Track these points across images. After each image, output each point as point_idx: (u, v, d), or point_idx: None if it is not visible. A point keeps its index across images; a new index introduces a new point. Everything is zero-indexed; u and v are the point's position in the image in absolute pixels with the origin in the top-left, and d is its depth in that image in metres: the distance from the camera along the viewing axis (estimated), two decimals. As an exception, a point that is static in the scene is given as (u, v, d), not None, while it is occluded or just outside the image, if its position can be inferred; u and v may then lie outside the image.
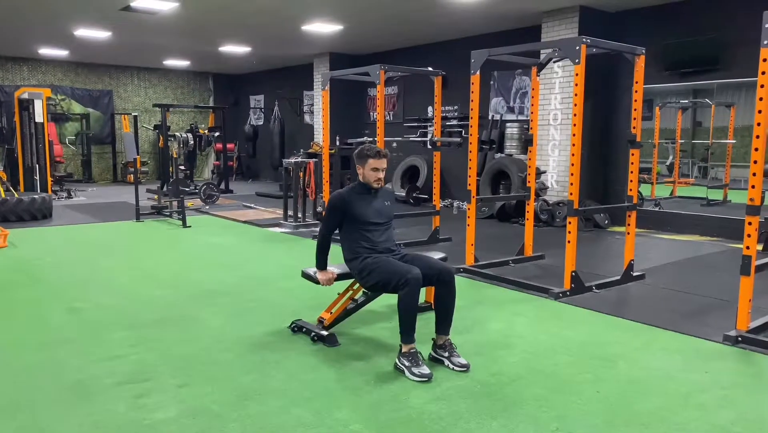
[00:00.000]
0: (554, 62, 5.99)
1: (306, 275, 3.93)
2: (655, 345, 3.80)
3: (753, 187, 3.83)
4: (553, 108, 9.04)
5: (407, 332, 3.35)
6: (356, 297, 3.98)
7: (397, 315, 3.37)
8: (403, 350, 3.33)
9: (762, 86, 3.70)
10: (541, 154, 9.37)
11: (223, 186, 13.01)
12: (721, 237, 7.96)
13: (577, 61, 4.73)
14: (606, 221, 8.92)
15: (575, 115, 4.81)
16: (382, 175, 3.67)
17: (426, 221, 7.88)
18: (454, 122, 11.40)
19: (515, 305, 4.71)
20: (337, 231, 3.76)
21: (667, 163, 10.26)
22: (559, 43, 4.97)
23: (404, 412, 2.84)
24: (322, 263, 3.79)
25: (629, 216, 5.42)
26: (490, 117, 10.63)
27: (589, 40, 4.74)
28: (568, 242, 4.96)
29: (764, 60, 3.69)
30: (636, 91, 5.26)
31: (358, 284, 3.98)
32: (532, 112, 6.21)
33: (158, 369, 3.32)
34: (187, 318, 4.30)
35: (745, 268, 3.88)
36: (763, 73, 3.70)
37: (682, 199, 9.78)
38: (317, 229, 8.26)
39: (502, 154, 10.23)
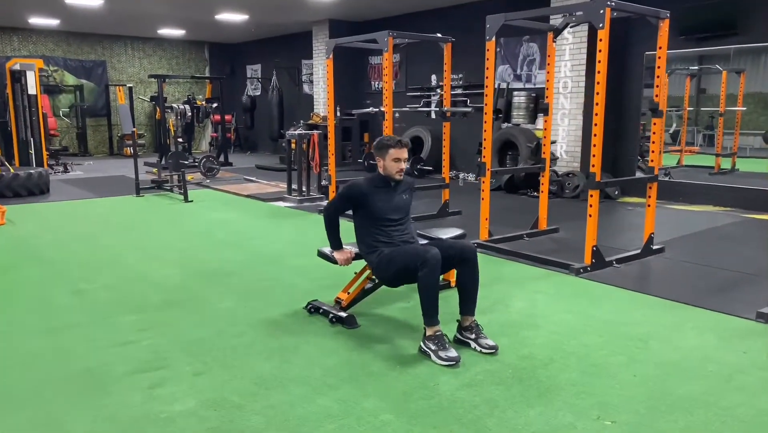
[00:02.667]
0: (571, 27, 5.73)
1: (322, 255, 3.76)
2: (686, 324, 3.66)
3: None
4: (563, 76, 8.78)
5: (430, 314, 3.19)
6: (374, 276, 3.82)
7: (416, 295, 3.21)
8: (428, 333, 3.18)
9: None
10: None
11: (222, 159, 12.75)
12: (735, 207, 7.81)
13: (601, 25, 4.49)
14: (616, 192, 8.74)
15: (598, 83, 4.60)
16: (404, 165, 3.48)
17: (433, 194, 7.70)
18: (459, 91, 11.12)
19: (535, 281, 4.55)
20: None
21: (671, 132, 10.04)
22: (582, 7, 4.71)
23: (435, 400, 2.69)
24: (336, 243, 3.62)
25: (650, 188, 5.24)
26: (496, 85, 10.34)
27: (613, 3, 4.49)
28: (589, 215, 4.78)
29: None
30: (659, 57, 5.03)
31: (375, 263, 3.82)
32: (547, 80, 5.97)
33: (172, 356, 3.17)
34: (196, 299, 4.14)
35: (780, 242, 3.72)
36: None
37: (690, 168, 9.58)
38: (323, 203, 8.13)
39: (509, 124, 9.98)
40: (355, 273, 3.87)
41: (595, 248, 4.80)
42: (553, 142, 8.84)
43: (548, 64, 5.90)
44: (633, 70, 8.52)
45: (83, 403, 2.69)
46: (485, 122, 5.55)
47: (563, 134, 8.89)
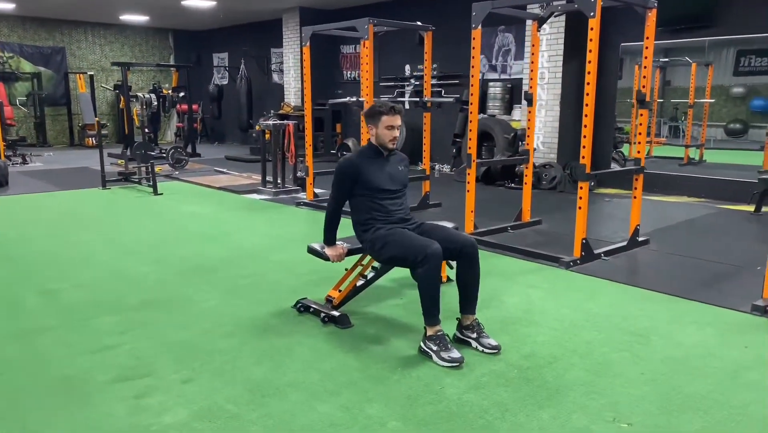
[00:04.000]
0: (556, 16, 5.65)
1: (313, 251, 3.59)
2: (683, 318, 3.61)
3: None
4: (539, 67, 8.72)
5: (431, 313, 3.06)
6: (365, 273, 3.67)
7: (409, 291, 3.08)
8: (429, 333, 3.05)
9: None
10: (526, 115, 9.09)
11: (189, 149, 12.37)
12: (709, 198, 7.90)
13: (592, 14, 4.40)
14: (592, 183, 8.75)
15: (589, 72, 4.52)
16: (397, 133, 3.32)
17: (412, 186, 7.53)
18: (433, 81, 10.98)
19: (527, 275, 4.47)
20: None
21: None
22: (573, -5, 4.62)
23: (442, 404, 2.57)
24: (331, 238, 3.45)
25: (636, 180, 5.21)
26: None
27: (604, -9, 4.41)
28: (579, 208, 4.72)
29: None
30: (647, 48, 4.98)
31: (367, 260, 3.67)
32: (531, 70, 5.88)
33: (156, 361, 2.96)
34: (177, 298, 3.92)
35: (774, 235, 3.70)
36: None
37: (660, 160, 9.67)
38: (298, 196, 7.92)
39: (485, 115, 9.92)
40: (346, 270, 3.72)
41: (584, 241, 4.75)
42: (531, 133, 8.79)
43: (532, 54, 5.81)
44: (608, 61, 8.52)
45: (63, 415, 2.48)
46: (471, 113, 5.43)
47: (540, 126, 8.85)
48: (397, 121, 3.29)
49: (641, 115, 5.10)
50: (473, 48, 5.29)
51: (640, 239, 5.31)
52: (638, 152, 5.21)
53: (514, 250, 5.04)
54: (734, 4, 7.36)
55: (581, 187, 4.70)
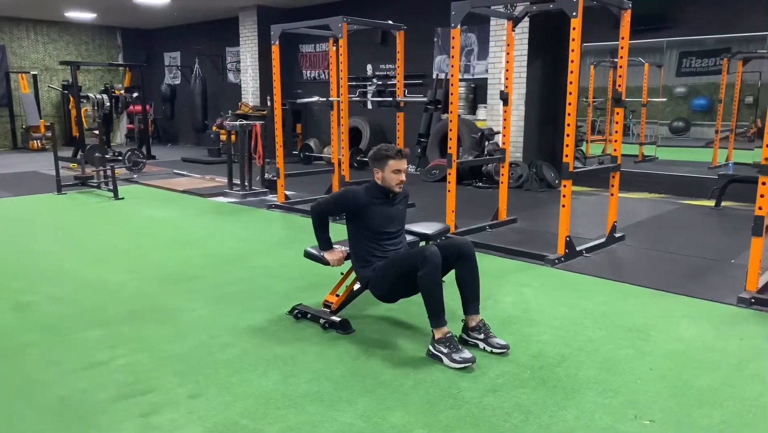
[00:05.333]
0: (530, 16, 5.71)
1: (310, 255, 3.49)
2: (675, 312, 3.69)
3: (767, 146, 3.74)
4: (503, 67, 8.79)
5: (437, 314, 3.02)
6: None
7: (417, 294, 3.05)
8: (437, 335, 3.00)
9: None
10: (492, 114, 9.19)
11: (145, 151, 11.94)
12: (669, 194, 8.17)
13: (574, 14, 4.45)
14: (556, 181, 8.91)
15: (572, 72, 4.57)
16: (404, 177, 3.27)
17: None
18: (395, 81, 10.94)
19: (515, 274, 4.48)
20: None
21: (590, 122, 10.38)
22: (555, -5, 4.67)
23: (464, 409, 2.52)
24: (326, 243, 3.37)
25: (613, 177, 5.31)
26: (434, 76, 10.28)
27: (585, -8, 4.46)
28: (563, 206, 4.78)
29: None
30: (622, 48, 5.07)
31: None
32: (506, 69, 5.91)
33: (156, 376, 2.81)
34: (164, 308, 3.75)
35: (757, 228, 3.81)
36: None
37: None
38: (268, 198, 7.74)
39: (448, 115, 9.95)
40: (342, 273, 3.64)
41: (568, 239, 4.80)
42: (498, 132, 8.88)
43: (507, 54, 5.84)
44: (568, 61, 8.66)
45: (65, 440, 2.31)
46: (450, 112, 5.43)
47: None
48: (404, 165, 3.25)
49: (617, 113, 5.19)
50: (452, 47, 5.27)
51: (617, 235, 5.42)
52: (615, 150, 5.31)
53: (499, 249, 5.05)
54: (686, 7, 7.63)
55: (565, 186, 4.75)
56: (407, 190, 3.46)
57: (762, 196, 3.78)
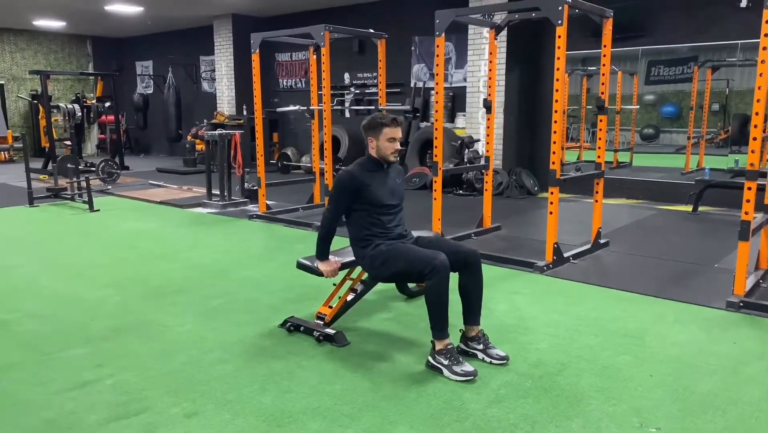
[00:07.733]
0: (511, 24, 5.73)
1: (303, 267, 3.41)
2: (666, 317, 3.71)
3: (753, 152, 3.79)
4: (482, 75, 8.87)
5: (440, 326, 2.97)
6: (355, 287, 3.54)
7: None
8: (438, 347, 2.95)
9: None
10: (471, 122, 9.23)
11: (118, 162, 11.69)
12: (647, 199, 8.28)
13: (559, 22, 4.48)
14: (536, 188, 8.98)
15: (557, 80, 4.59)
16: (398, 145, 3.22)
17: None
18: (374, 89, 10.95)
19: (505, 281, 4.47)
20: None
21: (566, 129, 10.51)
22: (541, 3, 4.67)
23: (469, 421, 2.48)
24: (323, 252, 3.30)
25: (597, 183, 5.34)
26: (412, 84, 10.30)
27: (570, 0, 4.50)
28: (550, 213, 4.79)
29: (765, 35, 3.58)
30: (604, 56, 5.12)
31: (356, 273, 3.55)
32: (489, 78, 5.93)
33: (149, 395, 2.70)
34: (149, 324, 3.63)
35: (743, 233, 3.86)
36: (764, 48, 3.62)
37: (591, 164, 10.05)
38: (248, 208, 7.62)
39: (427, 123, 9.98)
40: (334, 285, 3.57)
41: (555, 245, 4.81)
42: (477, 140, 8.92)
43: (490, 62, 5.89)
44: (547, 69, 8.76)
45: (56, 465, 2.20)
46: (436, 120, 5.40)
47: (485, 132, 8.96)
48: (399, 133, 3.20)
49: (600, 120, 5.24)
50: (437, 56, 5.28)
51: (602, 241, 5.46)
52: (598, 157, 5.35)
53: (487, 257, 5.03)
54: (659, 16, 7.78)
55: (552, 193, 4.76)
56: (401, 168, 3.42)
57: (748, 201, 3.83)
